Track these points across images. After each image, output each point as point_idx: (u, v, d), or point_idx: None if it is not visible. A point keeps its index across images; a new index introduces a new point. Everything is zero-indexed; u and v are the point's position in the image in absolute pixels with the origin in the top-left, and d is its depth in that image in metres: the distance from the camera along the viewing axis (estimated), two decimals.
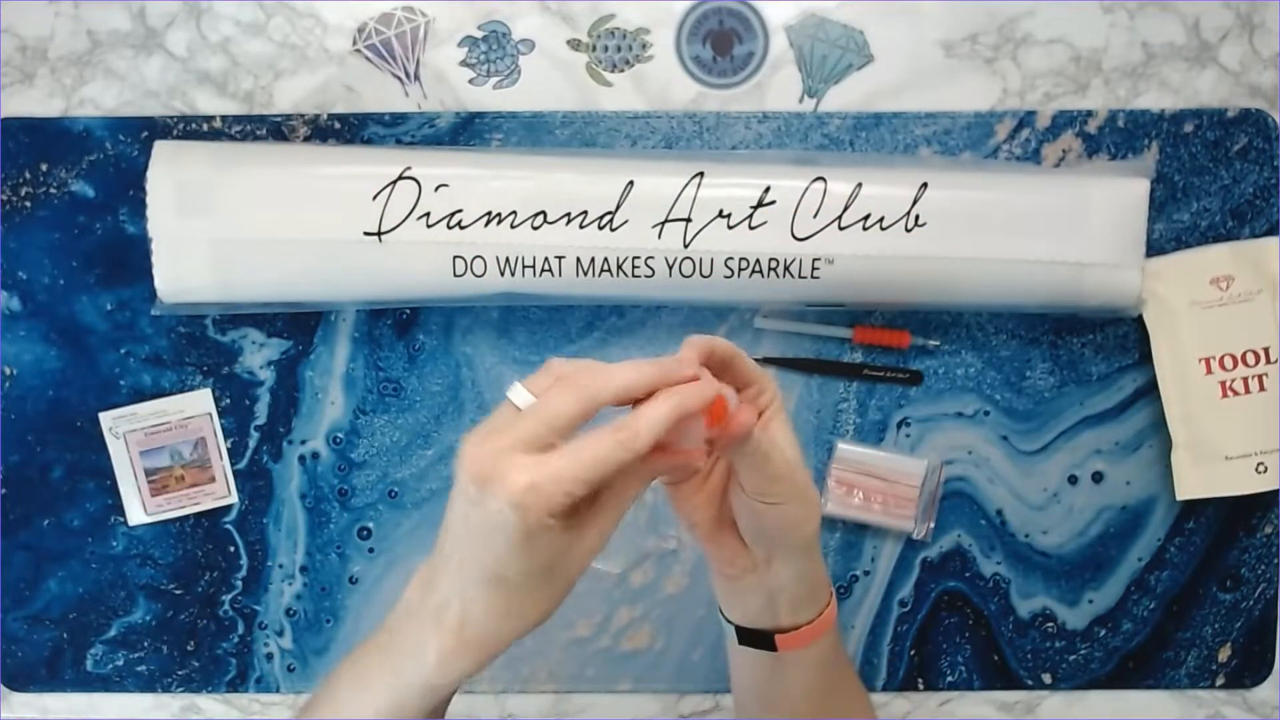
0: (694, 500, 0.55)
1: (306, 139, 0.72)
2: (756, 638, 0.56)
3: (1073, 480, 0.73)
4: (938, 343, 0.73)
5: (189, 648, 0.74)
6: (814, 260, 0.66)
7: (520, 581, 0.44)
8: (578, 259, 0.66)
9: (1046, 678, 0.74)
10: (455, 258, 0.66)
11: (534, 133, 0.73)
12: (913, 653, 0.74)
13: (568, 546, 0.44)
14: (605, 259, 0.66)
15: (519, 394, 0.45)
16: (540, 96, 0.73)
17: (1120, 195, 0.68)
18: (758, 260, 0.66)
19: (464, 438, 0.44)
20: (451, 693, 0.48)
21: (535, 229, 0.66)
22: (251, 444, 0.73)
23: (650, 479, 0.48)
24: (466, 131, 0.73)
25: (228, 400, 0.73)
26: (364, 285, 0.68)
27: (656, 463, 0.46)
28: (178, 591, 0.74)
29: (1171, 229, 0.73)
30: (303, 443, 0.73)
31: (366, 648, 0.48)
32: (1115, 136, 0.73)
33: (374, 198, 0.66)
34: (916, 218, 0.66)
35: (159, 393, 0.73)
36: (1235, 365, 0.71)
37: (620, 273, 0.67)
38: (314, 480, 0.73)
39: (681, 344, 0.49)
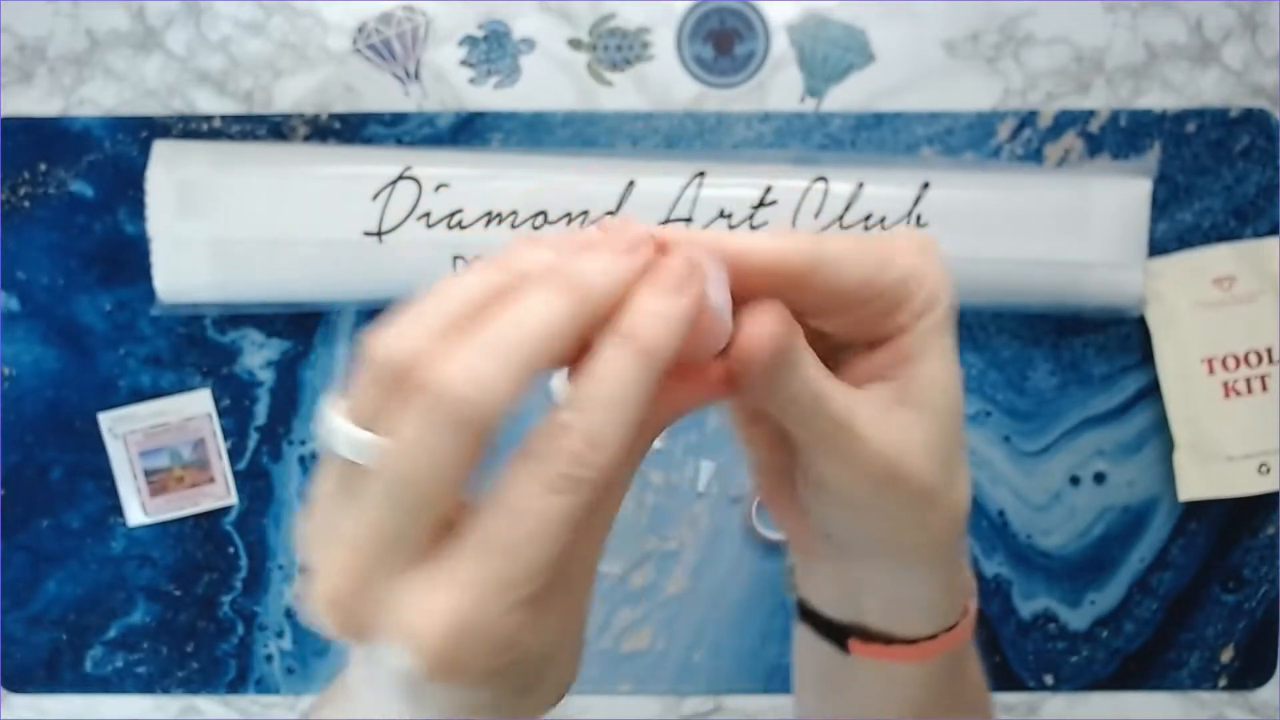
0: (749, 429, 0.35)
1: (306, 139, 0.72)
2: (823, 624, 0.38)
3: (1075, 481, 0.73)
4: None
5: (188, 649, 0.74)
6: None
7: None
8: None
9: (1048, 679, 0.74)
10: (455, 258, 0.66)
11: (534, 133, 0.72)
12: None
13: None
14: None
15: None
16: (541, 96, 0.73)
17: (1122, 195, 0.68)
18: None
19: None
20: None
21: (536, 229, 0.66)
22: (251, 445, 0.73)
23: None
24: (466, 131, 0.72)
25: (227, 401, 0.73)
26: (364, 285, 0.68)
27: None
28: (177, 593, 0.74)
29: (1174, 229, 0.73)
30: (303, 443, 0.73)
31: None
32: (1117, 136, 0.72)
33: (374, 198, 0.66)
34: (918, 218, 0.66)
35: (158, 393, 0.73)
36: (1238, 366, 0.71)
37: None
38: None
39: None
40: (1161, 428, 0.72)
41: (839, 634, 0.37)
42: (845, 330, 0.31)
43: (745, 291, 0.27)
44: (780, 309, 0.27)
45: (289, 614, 0.74)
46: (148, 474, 0.73)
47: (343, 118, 0.72)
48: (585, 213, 0.66)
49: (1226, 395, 0.71)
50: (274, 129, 0.72)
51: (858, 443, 0.29)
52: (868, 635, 0.36)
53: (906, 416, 0.30)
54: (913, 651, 0.36)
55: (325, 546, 0.26)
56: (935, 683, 0.37)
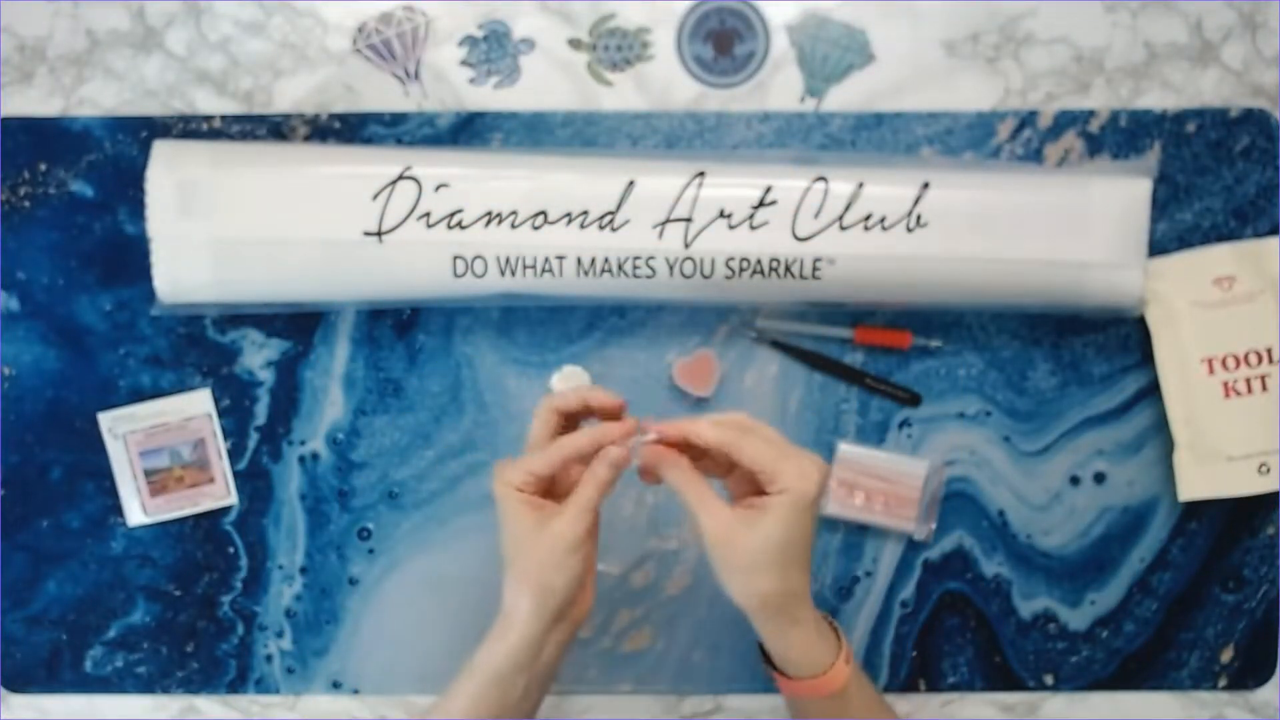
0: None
1: (306, 139, 0.72)
2: (767, 661, 0.63)
3: (1075, 481, 0.73)
4: (939, 343, 0.73)
5: (188, 649, 0.74)
6: (815, 260, 0.66)
7: (536, 542, 0.59)
8: (578, 259, 0.66)
9: (1048, 679, 0.74)
10: (455, 258, 0.66)
11: (534, 133, 0.72)
12: (914, 654, 0.74)
13: (547, 518, 0.58)
14: (606, 259, 0.66)
15: None
16: (541, 96, 0.73)
17: (1122, 195, 0.68)
18: (759, 260, 0.66)
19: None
20: (550, 653, 0.60)
21: (536, 229, 0.66)
22: (251, 445, 0.73)
23: (603, 484, 0.59)
24: (466, 131, 0.72)
25: (227, 401, 0.73)
26: (364, 285, 0.68)
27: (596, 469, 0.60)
28: (177, 593, 0.74)
29: (1174, 229, 0.73)
30: (302, 443, 0.73)
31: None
32: (1117, 136, 0.72)
33: (374, 198, 0.66)
34: (918, 218, 0.66)
35: (158, 393, 0.73)
36: (1238, 365, 0.71)
37: (621, 273, 0.66)
38: (314, 481, 0.73)
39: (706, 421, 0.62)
40: (1161, 428, 0.72)
41: (773, 668, 0.62)
42: (743, 476, 0.60)
43: (696, 449, 0.60)
44: (665, 452, 0.60)
45: (289, 614, 0.74)
46: (148, 474, 0.73)
47: (343, 118, 0.72)
48: (585, 212, 0.66)
49: (1226, 395, 0.71)
50: (274, 129, 0.72)
51: (696, 521, 0.58)
52: (782, 671, 0.61)
53: (739, 523, 0.57)
54: (795, 686, 0.60)
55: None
56: (831, 709, 0.60)
